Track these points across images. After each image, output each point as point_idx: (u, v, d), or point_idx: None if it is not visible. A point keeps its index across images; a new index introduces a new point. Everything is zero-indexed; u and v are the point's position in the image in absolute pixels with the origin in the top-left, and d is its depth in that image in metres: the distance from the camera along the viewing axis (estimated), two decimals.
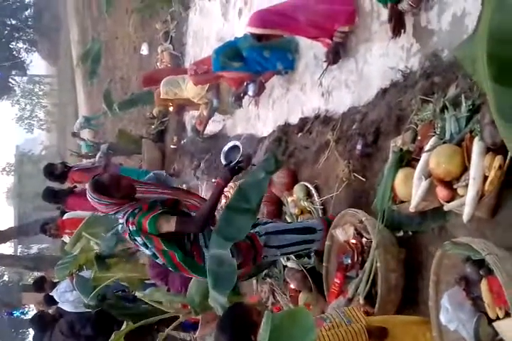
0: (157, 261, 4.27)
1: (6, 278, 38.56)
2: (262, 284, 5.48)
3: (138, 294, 6.31)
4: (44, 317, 7.98)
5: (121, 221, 4.18)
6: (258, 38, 4.98)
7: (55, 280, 8.46)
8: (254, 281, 5.61)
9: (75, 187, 9.21)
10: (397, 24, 4.05)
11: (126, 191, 4.08)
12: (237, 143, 4.57)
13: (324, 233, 4.37)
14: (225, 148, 4.60)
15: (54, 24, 40.08)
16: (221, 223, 3.93)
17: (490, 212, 2.93)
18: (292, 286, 4.84)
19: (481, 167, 2.89)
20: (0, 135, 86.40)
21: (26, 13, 44.01)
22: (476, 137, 2.98)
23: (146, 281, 7.16)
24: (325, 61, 5.02)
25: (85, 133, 16.96)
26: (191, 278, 4.92)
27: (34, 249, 37.75)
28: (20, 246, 40.30)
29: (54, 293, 8.39)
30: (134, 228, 4.01)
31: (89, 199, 4.07)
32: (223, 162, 4.52)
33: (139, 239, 4.07)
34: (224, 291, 3.71)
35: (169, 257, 4.10)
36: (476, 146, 2.93)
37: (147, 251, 4.18)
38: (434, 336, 3.03)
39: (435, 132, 3.32)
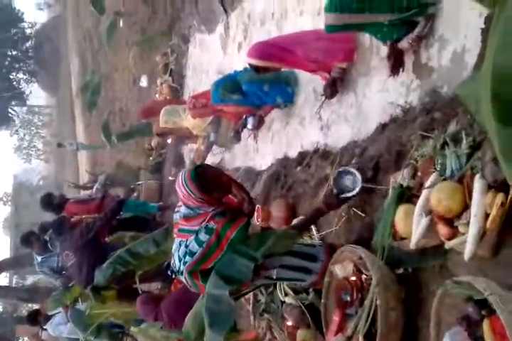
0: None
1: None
2: (260, 320, 5.39)
3: (133, 329, 6.22)
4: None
5: (186, 210, 3.95)
6: (256, 69, 5.00)
7: (50, 313, 8.36)
8: (252, 317, 5.53)
9: (71, 218, 9.16)
10: (397, 63, 4.06)
11: (224, 192, 3.95)
12: (355, 171, 4.20)
13: (324, 265, 4.20)
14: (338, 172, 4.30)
15: (54, 55, 40.39)
16: (223, 262, 3.81)
17: (492, 251, 2.88)
18: (290, 323, 4.75)
19: (483, 204, 2.85)
20: None
21: (27, 44, 44.46)
22: (477, 174, 2.95)
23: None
24: (322, 95, 5.03)
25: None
26: (179, 319, 4.83)
27: (29, 280, 37.45)
28: (15, 276, 40.04)
29: (48, 326, 8.29)
30: (215, 227, 3.79)
31: (179, 186, 3.80)
32: (334, 189, 4.23)
33: (205, 236, 3.81)
34: (221, 331, 3.62)
35: (206, 258, 3.84)
36: (478, 184, 2.90)
37: (194, 246, 3.86)
38: None
39: (436, 168, 3.29)
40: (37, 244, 8.05)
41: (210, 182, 3.84)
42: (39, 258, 8.12)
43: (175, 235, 4.10)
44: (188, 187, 3.77)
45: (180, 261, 3.95)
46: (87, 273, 7.11)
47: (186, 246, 3.91)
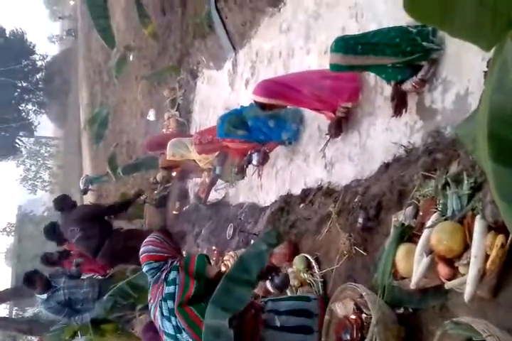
0: (168, 321, 4.10)
1: None
2: None
3: None
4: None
5: (151, 279, 4.34)
6: (262, 106, 5.05)
7: None
8: None
9: (71, 250, 9.18)
10: (400, 104, 4.10)
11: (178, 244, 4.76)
12: None
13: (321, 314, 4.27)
14: None
15: (64, 88, 40.86)
16: (219, 293, 3.83)
17: (491, 292, 2.88)
18: None
19: (483, 245, 2.86)
20: (3, 195, 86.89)
21: (38, 75, 45.00)
22: (477, 215, 2.96)
23: None
24: (327, 134, 5.07)
25: (88, 196, 16.97)
26: None
27: (29, 312, 37.14)
28: (15, 308, 39.64)
29: None
30: (178, 264, 4.27)
31: (151, 239, 4.45)
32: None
33: (174, 273, 4.18)
34: None
35: (187, 288, 4.13)
36: (478, 224, 2.91)
37: (169, 289, 4.12)
38: None
39: (437, 208, 3.31)
40: (40, 282, 7.93)
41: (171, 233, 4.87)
42: (45, 296, 7.99)
43: (156, 322, 4.25)
44: (160, 236, 4.53)
45: (175, 335, 4.09)
46: (96, 243, 7.93)
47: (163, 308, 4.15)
